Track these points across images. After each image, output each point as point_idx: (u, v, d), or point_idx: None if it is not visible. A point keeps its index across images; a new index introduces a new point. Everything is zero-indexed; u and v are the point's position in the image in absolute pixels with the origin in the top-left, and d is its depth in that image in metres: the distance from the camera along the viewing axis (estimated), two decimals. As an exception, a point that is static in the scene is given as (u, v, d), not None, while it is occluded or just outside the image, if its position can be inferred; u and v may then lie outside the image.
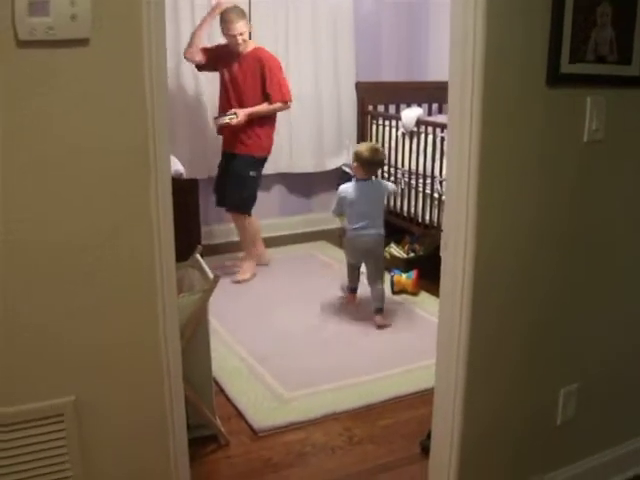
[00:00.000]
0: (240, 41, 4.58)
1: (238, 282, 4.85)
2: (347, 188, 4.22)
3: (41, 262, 1.72)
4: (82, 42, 1.62)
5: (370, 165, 4.19)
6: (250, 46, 4.70)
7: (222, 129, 4.81)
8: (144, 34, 1.69)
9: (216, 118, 4.81)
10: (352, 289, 4.49)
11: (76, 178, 1.71)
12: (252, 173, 4.82)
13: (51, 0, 1.57)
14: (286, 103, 4.81)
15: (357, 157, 4.18)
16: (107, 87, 1.69)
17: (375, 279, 4.23)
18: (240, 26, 4.55)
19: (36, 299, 1.74)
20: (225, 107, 4.76)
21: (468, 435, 2.23)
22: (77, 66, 1.63)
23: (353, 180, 4.33)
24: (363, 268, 4.37)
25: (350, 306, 4.45)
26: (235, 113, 4.64)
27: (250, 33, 4.74)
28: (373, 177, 4.34)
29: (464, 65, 1.95)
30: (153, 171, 1.78)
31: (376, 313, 4.19)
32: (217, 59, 4.77)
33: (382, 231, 4.25)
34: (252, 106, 4.68)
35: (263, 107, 4.72)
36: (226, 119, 4.65)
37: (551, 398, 2.42)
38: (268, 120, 4.83)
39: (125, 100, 1.72)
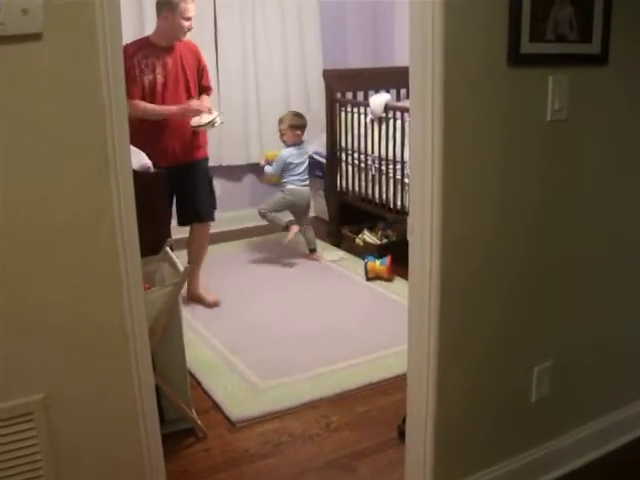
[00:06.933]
0: (191, 27, 3.95)
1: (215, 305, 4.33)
2: (290, 152, 5.09)
3: (6, 255, 1.70)
4: (34, 37, 1.59)
5: (296, 129, 5.08)
6: None
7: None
8: (99, 27, 1.67)
9: (201, 125, 4.05)
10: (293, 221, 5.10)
11: (31, 176, 1.69)
12: (210, 175, 4.37)
13: (1, -5, 1.54)
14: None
15: (284, 123, 5.09)
16: (62, 83, 1.66)
17: (309, 225, 5.30)
18: (194, 7, 3.92)
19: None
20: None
21: (443, 417, 2.24)
22: (30, 62, 1.61)
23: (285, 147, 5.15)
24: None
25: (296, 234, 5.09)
26: (211, 111, 4.07)
27: None
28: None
29: (424, 48, 1.95)
30: (112, 166, 1.76)
31: (312, 252, 5.22)
32: (141, 69, 3.90)
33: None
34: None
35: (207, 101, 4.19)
36: (217, 120, 4.07)
37: (525, 376, 2.43)
38: None
39: (81, 96, 1.70)
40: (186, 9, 3.85)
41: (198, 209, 4.21)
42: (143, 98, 3.89)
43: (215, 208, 4.33)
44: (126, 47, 3.62)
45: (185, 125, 3.99)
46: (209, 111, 4.08)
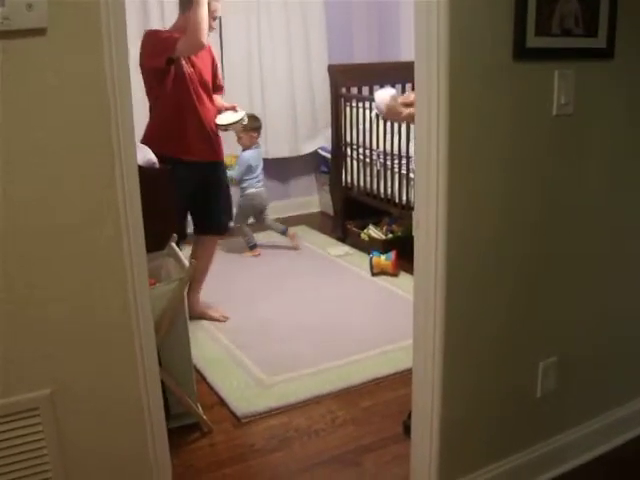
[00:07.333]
0: (215, 26, 3.77)
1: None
2: (250, 154, 5.25)
3: (11, 251, 1.71)
4: (39, 32, 1.59)
5: (252, 131, 5.15)
6: None
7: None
8: (103, 22, 1.67)
9: (230, 124, 3.97)
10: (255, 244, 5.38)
11: (35, 172, 1.69)
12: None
13: (6, -10, 1.54)
14: None
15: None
16: (66, 78, 1.66)
17: (266, 216, 5.47)
18: None
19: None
20: (194, 105, 3.71)
21: (448, 412, 2.24)
22: (34, 57, 1.61)
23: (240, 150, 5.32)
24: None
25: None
26: (236, 109, 4.02)
27: None
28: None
29: (429, 42, 1.94)
30: (118, 163, 1.76)
31: (285, 234, 5.39)
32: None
33: None
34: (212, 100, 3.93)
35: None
36: (245, 119, 4.05)
37: (530, 371, 2.43)
38: None
39: (86, 91, 1.70)
40: (217, 8, 3.67)
41: (219, 222, 4.04)
42: (173, 87, 3.61)
43: (231, 219, 4.23)
44: (156, 30, 3.84)
45: (209, 121, 3.80)
46: (234, 109, 4.02)
